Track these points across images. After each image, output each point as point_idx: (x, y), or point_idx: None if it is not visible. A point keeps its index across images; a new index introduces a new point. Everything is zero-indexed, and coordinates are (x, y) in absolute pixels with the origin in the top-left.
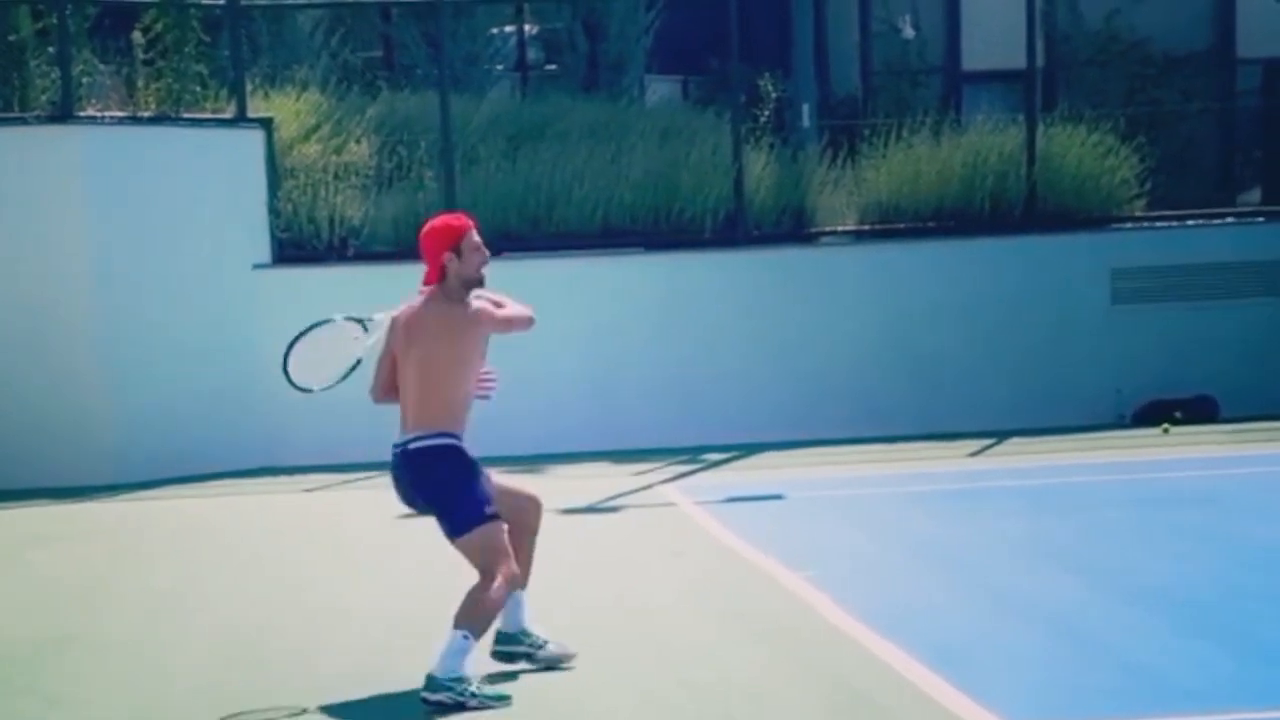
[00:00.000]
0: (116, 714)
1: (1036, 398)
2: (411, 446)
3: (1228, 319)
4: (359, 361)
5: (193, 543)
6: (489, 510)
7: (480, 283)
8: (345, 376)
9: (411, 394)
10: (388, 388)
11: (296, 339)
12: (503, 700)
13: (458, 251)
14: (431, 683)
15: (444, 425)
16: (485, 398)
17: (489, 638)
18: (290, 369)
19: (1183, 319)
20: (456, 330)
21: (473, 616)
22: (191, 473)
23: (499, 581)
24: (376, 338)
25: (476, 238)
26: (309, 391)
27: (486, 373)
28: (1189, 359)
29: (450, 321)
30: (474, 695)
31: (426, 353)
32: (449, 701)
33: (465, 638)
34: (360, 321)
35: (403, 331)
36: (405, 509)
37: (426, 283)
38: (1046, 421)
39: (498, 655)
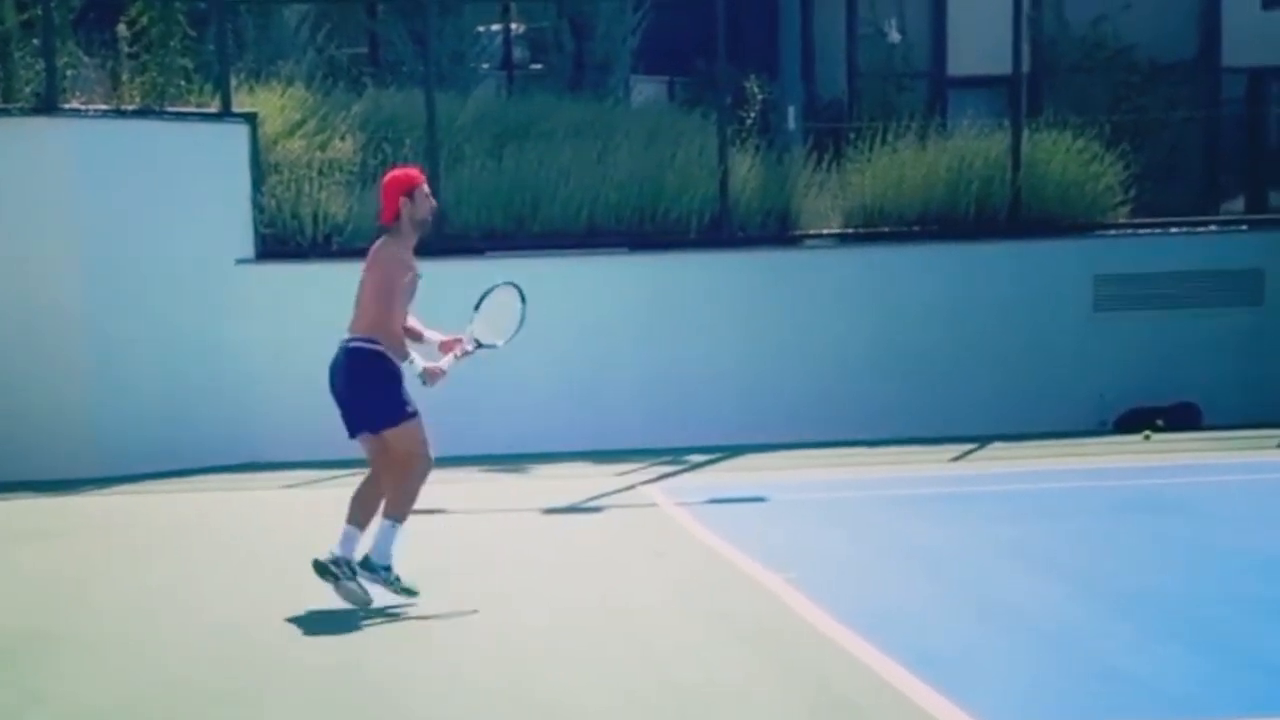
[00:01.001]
0: (100, 709)
1: (1019, 403)
2: (351, 345)
3: (1210, 326)
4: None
5: (177, 538)
6: (410, 409)
7: (427, 224)
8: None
9: (357, 307)
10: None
11: (481, 300)
12: (412, 595)
13: (410, 196)
14: (367, 563)
15: (378, 339)
16: (437, 375)
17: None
18: (478, 333)
19: (1165, 326)
20: (388, 265)
21: (398, 505)
22: (177, 467)
23: (418, 471)
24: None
25: (426, 188)
26: (494, 347)
27: (456, 340)
28: (1171, 366)
29: (389, 257)
30: (396, 581)
31: (370, 277)
32: (379, 581)
33: (393, 525)
34: (518, 289)
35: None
36: None
37: (382, 221)
38: (1029, 427)
39: (316, 566)
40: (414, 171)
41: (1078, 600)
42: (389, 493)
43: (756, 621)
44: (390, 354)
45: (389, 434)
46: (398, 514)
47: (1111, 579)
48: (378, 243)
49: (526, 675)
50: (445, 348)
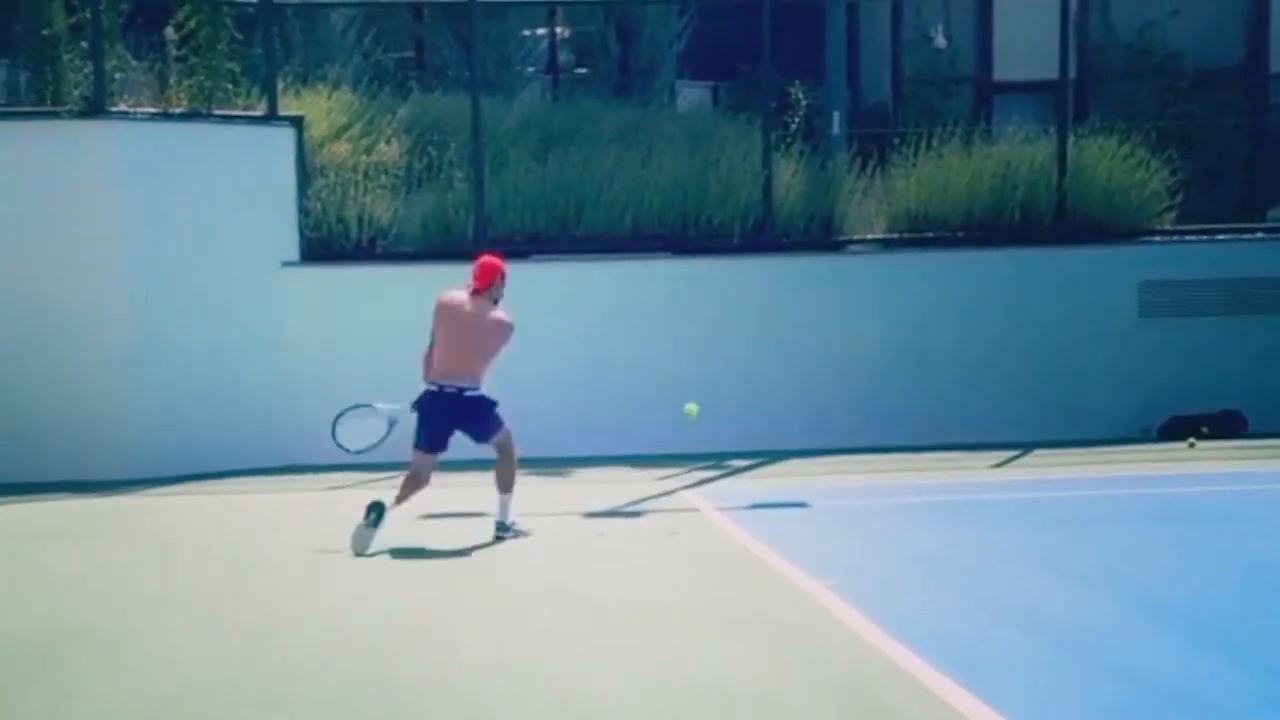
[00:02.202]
0: (128, 709)
1: (1062, 410)
2: (472, 393)
3: (1256, 334)
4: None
5: (213, 539)
6: (505, 426)
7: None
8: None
9: (458, 357)
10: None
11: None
12: (526, 534)
13: (503, 279)
14: (500, 526)
15: (480, 377)
16: None
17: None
18: (339, 437)
19: (1211, 333)
20: (486, 324)
21: (508, 482)
22: (219, 469)
23: (513, 455)
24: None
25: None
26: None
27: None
28: (1217, 373)
29: (484, 317)
30: (519, 531)
31: (497, 333)
32: (510, 536)
33: (507, 496)
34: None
35: (444, 310)
36: (424, 511)
37: (476, 288)
38: (1072, 434)
39: (374, 507)
40: (503, 264)
41: (1120, 609)
42: (498, 477)
43: (796, 627)
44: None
45: (493, 440)
46: (510, 487)
47: (1155, 589)
48: (475, 301)
49: (562, 679)
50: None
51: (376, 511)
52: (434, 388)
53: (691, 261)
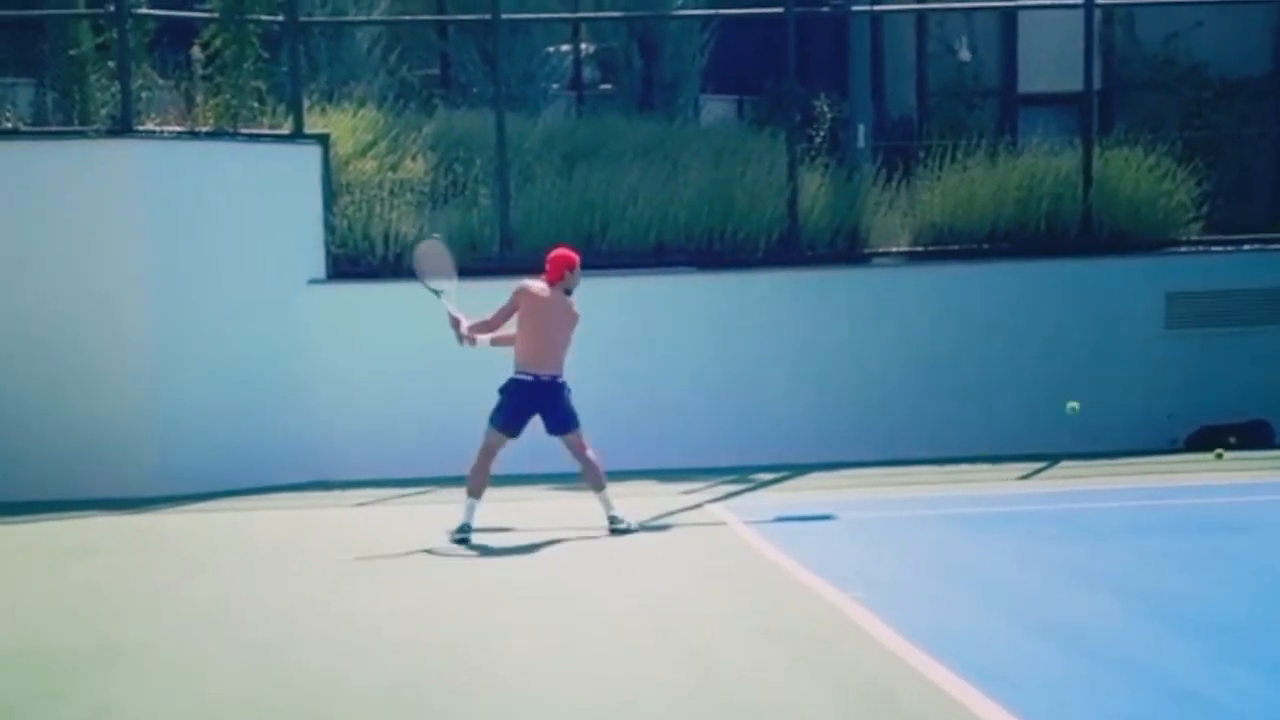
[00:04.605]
0: None
1: (1090, 421)
2: (559, 380)
3: None
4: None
5: (239, 555)
6: (577, 420)
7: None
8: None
9: (544, 345)
10: (494, 328)
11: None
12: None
13: (573, 270)
14: (611, 521)
15: (562, 364)
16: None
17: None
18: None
19: (1238, 344)
20: (563, 313)
21: (597, 480)
22: (246, 486)
23: (594, 457)
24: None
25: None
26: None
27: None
28: (1244, 384)
29: (561, 307)
30: (628, 525)
31: (568, 324)
32: (622, 529)
33: (602, 490)
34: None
35: (529, 299)
36: (450, 525)
37: (549, 281)
38: (1100, 445)
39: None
40: (575, 255)
41: (1148, 622)
42: (589, 476)
43: (824, 640)
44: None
45: (567, 436)
46: (602, 483)
47: (1182, 601)
48: (553, 292)
49: (588, 693)
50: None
51: (462, 534)
52: (525, 377)
53: (717, 276)
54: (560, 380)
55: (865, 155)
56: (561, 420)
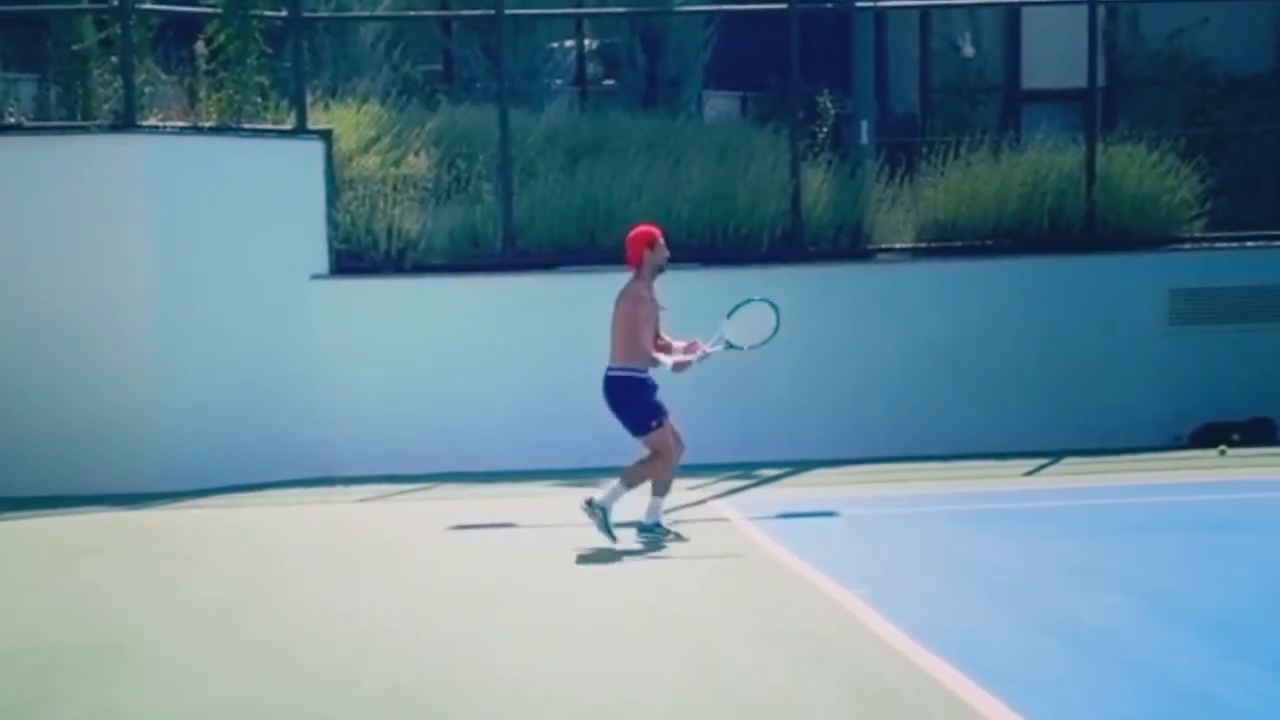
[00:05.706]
0: None
1: (1094, 417)
2: (611, 374)
3: None
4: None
5: (241, 553)
6: (655, 423)
7: (664, 268)
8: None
9: (612, 338)
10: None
11: (734, 310)
12: (682, 539)
13: (652, 247)
14: (639, 526)
15: (630, 362)
16: (684, 365)
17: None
18: (729, 334)
19: (1241, 340)
20: (627, 302)
21: (633, 479)
22: (251, 481)
23: (666, 461)
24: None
25: (662, 240)
26: (740, 350)
27: (695, 344)
28: (1247, 380)
29: (630, 295)
30: (663, 530)
31: (618, 313)
32: (654, 528)
33: (656, 498)
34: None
35: (632, 304)
36: (457, 522)
37: (629, 265)
38: (1103, 441)
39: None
40: (654, 229)
41: (1151, 619)
42: (647, 473)
43: (827, 637)
44: (641, 371)
45: (642, 439)
46: (658, 490)
47: (1185, 598)
48: (629, 282)
49: (591, 691)
50: (690, 349)
51: (603, 521)
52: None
53: (720, 272)
54: (618, 374)
55: (868, 152)
56: (630, 424)
